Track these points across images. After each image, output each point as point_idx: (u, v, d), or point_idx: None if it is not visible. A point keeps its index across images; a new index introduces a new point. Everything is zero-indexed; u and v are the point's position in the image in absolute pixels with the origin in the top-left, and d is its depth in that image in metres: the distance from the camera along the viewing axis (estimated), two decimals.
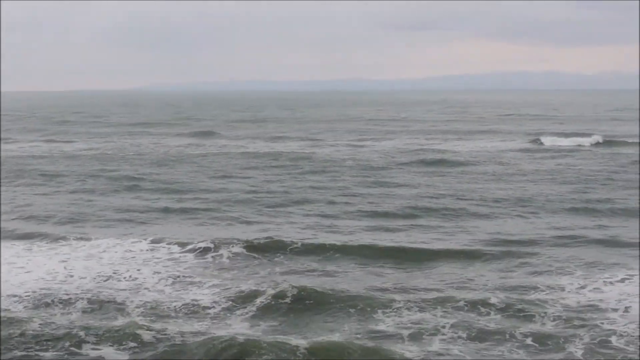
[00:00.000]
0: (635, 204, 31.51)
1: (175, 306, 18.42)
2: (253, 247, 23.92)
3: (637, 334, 16.12)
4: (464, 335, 16.19)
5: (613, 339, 15.97)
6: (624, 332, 16.28)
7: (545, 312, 17.47)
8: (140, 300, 18.77)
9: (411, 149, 57.96)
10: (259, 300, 18.52)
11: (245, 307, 18.23)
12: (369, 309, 17.90)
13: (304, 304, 18.40)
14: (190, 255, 23.40)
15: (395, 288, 19.88)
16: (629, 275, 20.62)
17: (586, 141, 63.79)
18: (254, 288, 19.48)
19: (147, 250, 23.93)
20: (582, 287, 19.70)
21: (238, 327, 16.92)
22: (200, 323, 17.22)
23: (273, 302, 18.40)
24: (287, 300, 18.50)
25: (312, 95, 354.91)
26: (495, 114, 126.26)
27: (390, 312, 17.69)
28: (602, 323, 16.89)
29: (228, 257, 23.20)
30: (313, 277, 21.21)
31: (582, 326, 16.65)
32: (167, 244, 24.50)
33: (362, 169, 45.24)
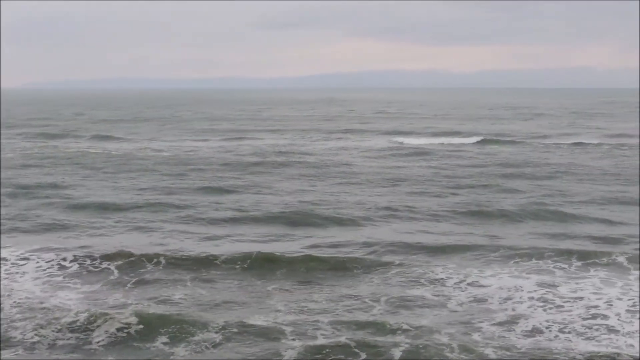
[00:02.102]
0: (511, 207, 30.84)
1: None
2: (107, 258, 22.24)
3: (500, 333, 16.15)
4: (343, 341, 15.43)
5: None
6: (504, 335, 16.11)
7: (420, 321, 16.91)
8: None
9: (277, 149, 56.59)
10: (96, 328, 16.54)
11: (77, 335, 16.26)
12: (228, 333, 16.31)
13: (147, 333, 16.35)
14: (31, 269, 21.54)
15: (270, 303, 18.60)
16: (499, 272, 20.83)
17: (464, 140, 64.22)
18: (94, 310, 17.44)
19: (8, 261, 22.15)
20: (462, 288, 19.47)
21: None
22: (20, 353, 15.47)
23: (112, 330, 16.43)
24: (125, 329, 16.49)
25: (189, 94, 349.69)
26: (371, 112, 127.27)
27: (261, 334, 16.29)
28: (490, 322, 16.86)
29: (73, 272, 21.30)
30: (163, 293, 19.51)
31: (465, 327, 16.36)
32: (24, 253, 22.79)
33: (231, 169, 43.82)
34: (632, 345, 15.39)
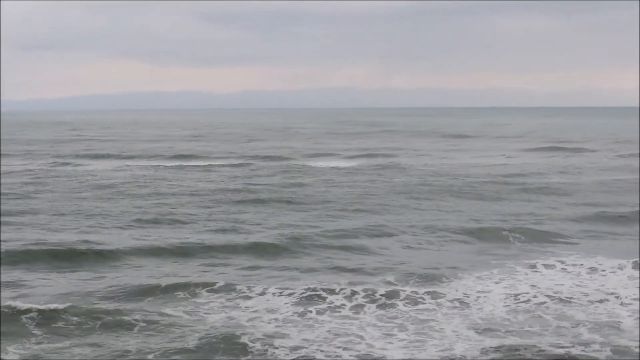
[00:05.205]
0: (265, 238, 28.64)
1: None
2: None
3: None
4: None
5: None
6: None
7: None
8: None
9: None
10: None
11: None
12: None
13: None
14: None
15: None
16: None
17: (216, 162, 62.72)
18: None
19: None
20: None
21: None
22: None
23: None
24: None
25: None
26: (114, 135, 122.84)
27: None
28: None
29: None
30: None
31: None
32: None
33: None
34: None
